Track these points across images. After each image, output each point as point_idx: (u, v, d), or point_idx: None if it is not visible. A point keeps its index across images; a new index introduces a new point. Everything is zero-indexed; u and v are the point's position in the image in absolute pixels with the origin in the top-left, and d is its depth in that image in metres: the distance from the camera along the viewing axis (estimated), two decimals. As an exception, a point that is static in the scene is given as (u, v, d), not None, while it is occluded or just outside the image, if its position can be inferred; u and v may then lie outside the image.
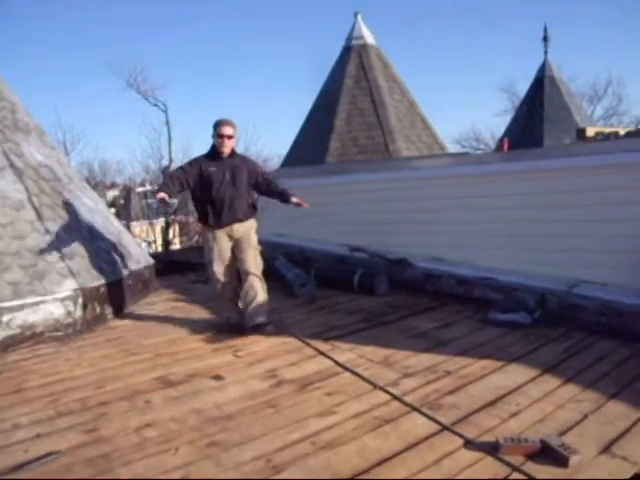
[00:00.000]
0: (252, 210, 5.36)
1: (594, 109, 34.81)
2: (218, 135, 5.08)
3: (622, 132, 8.06)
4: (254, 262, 5.24)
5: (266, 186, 5.37)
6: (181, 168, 5.28)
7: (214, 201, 5.10)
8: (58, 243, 5.61)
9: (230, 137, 5.11)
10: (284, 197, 5.27)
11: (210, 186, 5.08)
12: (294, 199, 5.19)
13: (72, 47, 79.34)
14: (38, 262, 5.36)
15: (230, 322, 5.34)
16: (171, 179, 5.17)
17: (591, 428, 3.22)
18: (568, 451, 2.85)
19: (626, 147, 5.68)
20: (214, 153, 5.17)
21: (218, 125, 5.08)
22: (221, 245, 5.18)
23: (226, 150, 5.12)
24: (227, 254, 5.22)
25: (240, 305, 5.41)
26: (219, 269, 5.22)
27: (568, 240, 5.56)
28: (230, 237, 5.20)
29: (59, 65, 78.27)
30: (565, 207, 5.60)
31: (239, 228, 5.20)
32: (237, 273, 5.36)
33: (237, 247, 5.23)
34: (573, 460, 2.80)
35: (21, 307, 5.05)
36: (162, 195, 4.94)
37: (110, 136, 75.44)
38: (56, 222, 5.82)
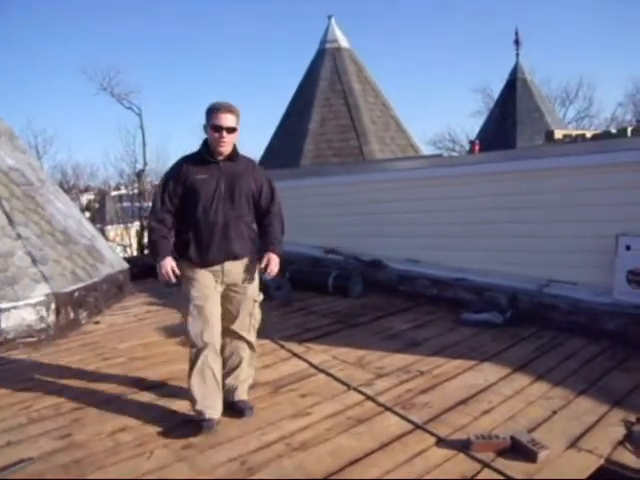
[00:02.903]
0: (254, 243, 3.61)
1: (566, 111, 35.44)
2: (213, 127, 3.35)
3: (589, 135, 8.22)
4: (248, 322, 3.62)
5: (267, 215, 3.60)
6: (165, 189, 3.46)
7: (199, 224, 3.39)
8: (30, 248, 5.55)
9: (232, 130, 3.38)
10: (266, 243, 3.58)
11: (195, 201, 3.38)
12: (266, 259, 3.49)
13: (43, 47, 78.29)
14: (9, 267, 5.31)
15: (203, 418, 3.36)
16: (163, 222, 3.46)
17: (559, 424, 3.30)
18: (537, 447, 2.92)
19: (592, 149, 5.81)
20: (205, 153, 3.45)
21: (213, 112, 3.37)
22: (205, 292, 3.42)
23: (225, 149, 3.41)
24: (213, 306, 3.45)
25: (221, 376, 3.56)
26: (198, 328, 3.39)
27: (539, 241, 5.67)
28: (220, 281, 3.48)
29: (29, 66, 77.07)
30: (535, 208, 5.70)
31: (234, 269, 3.48)
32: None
33: (228, 297, 3.54)
34: (542, 455, 2.88)
35: (-8, 313, 4.99)
36: (168, 268, 3.39)
37: (83, 139, 74.53)
38: (28, 227, 5.77)
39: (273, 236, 3.59)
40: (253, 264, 3.58)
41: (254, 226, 3.62)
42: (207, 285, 3.43)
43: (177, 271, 3.41)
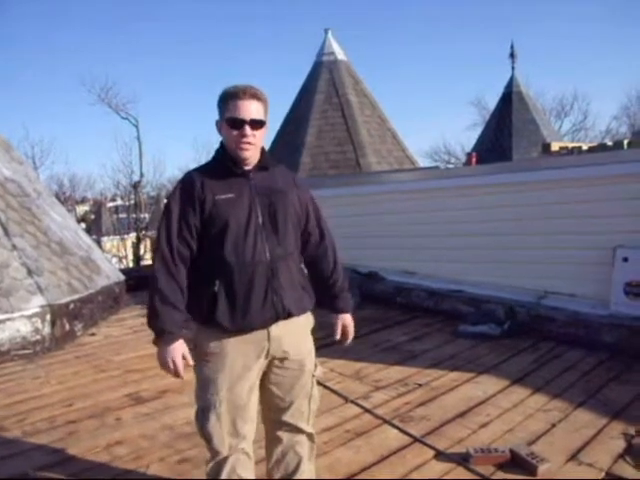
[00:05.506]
0: (307, 291, 2.46)
1: (561, 124, 35.68)
2: (230, 122, 2.18)
3: (585, 147, 8.26)
4: (307, 408, 2.46)
5: (319, 250, 2.54)
6: (174, 218, 2.19)
7: (230, 269, 2.17)
8: (26, 259, 5.53)
9: (258, 125, 2.20)
10: (333, 298, 2.63)
11: (222, 233, 2.18)
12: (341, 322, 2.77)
13: (41, 58, 78.72)
14: (4, 279, 5.28)
15: None
16: (175, 277, 2.17)
17: (559, 437, 3.27)
18: (537, 460, 2.89)
19: (589, 161, 5.83)
20: (225, 162, 2.24)
21: (229, 99, 2.18)
22: (240, 374, 2.23)
23: (250, 154, 2.23)
24: (251, 394, 2.28)
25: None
26: (226, 431, 2.24)
27: (536, 252, 5.67)
28: (264, 354, 2.27)
29: (26, 76, 77.56)
30: (532, 220, 5.70)
31: (285, 334, 2.31)
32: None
33: (274, 375, 2.34)
34: (541, 468, 2.85)
35: (-13, 325, 4.96)
36: (178, 359, 2.17)
37: (80, 150, 74.68)
38: (24, 238, 5.74)
39: (340, 286, 2.59)
40: (309, 323, 2.53)
41: (303, 266, 2.49)
42: (244, 365, 2.23)
43: (190, 361, 2.22)
